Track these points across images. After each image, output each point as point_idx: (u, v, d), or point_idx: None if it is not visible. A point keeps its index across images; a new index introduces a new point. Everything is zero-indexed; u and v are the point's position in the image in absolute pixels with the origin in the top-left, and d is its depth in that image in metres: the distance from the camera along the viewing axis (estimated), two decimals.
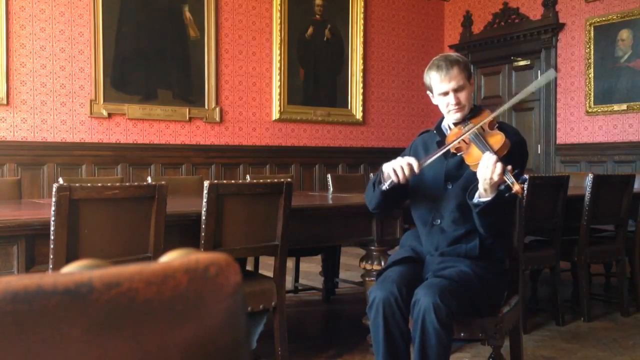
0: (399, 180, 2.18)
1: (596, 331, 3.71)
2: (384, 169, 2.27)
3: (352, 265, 5.38)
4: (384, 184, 2.26)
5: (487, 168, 2.02)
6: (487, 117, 2.26)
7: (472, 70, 2.38)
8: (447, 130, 2.41)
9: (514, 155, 2.20)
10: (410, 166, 2.18)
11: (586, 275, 3.96)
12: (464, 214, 2.26)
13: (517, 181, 1.99)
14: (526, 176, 2.03)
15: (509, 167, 2.02)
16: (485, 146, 2.14)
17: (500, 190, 2.07)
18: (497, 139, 2.17)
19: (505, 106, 2.30)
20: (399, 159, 2.23)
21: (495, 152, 2.10)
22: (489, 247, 2.27)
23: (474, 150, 2.18)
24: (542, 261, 3.82)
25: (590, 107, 7.14)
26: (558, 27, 7.41)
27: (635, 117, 6.80)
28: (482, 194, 2.10)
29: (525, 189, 1.97)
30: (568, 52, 7.37)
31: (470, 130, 2.21)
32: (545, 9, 7.50)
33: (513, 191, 1.99)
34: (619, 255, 4.10)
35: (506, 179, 2.01)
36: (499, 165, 2.01)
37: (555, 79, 7.45)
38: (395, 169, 2.18)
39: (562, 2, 7.40)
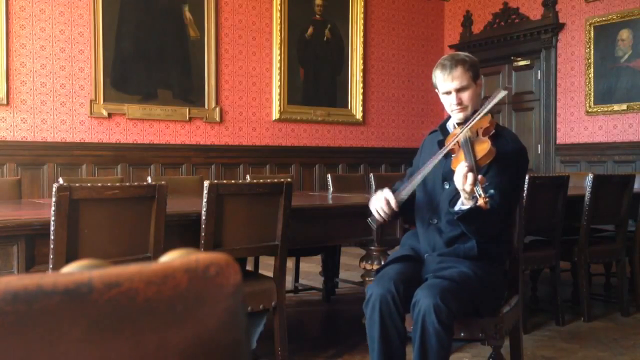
0: (383, 221, 2.27)
1: (596, 331, 3.71)
2: (370, 207, 2.32)
3: (352, 265, 5.38)
4: (372, 224, 2.34)
5: (458, 178, 2.02)
6: (484, 122, 2.25)
7: (479, 71, 2.36)
8: (450, 130, 2.41)
9: (510, 164, 2.19)
10: (388, 203, 2.23)
11: (586, 275, 3.96)
12: None
13: (484, 194, 1.96)
14: (492, 191, 2.02)
15: (480, 178, 2.00)
16: (469, 153, 2.12)
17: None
18: (483, 147, 2.15)
19: (478, 115, 2.27)
20: (375, 197, 2.28)
21: (476, 161, 2.09)
22: (488, 248, 2.27)
23: (461, 155, 2.17)
24: (542, 261, 3.82)
25: (590, 107, 7.14)
26: (558, 27, 7.41)
27: (635, 117, 6.80)
28: (464, 202, 2.10)
29: (488, 203, 1.96)
30: (568, 52, 7.37)
31: (462, 134, 2.20)
32: (545, 9, 7.50)
33: (478, 203, 1.98)
34: (619, 255, 4.10)
35: (475, 190, 2.00)
36: (470, 175, 1.99)
37: (556, 78, 7.46)
38: (377, 210, 2.25)
39: (562, 2, 7.40)
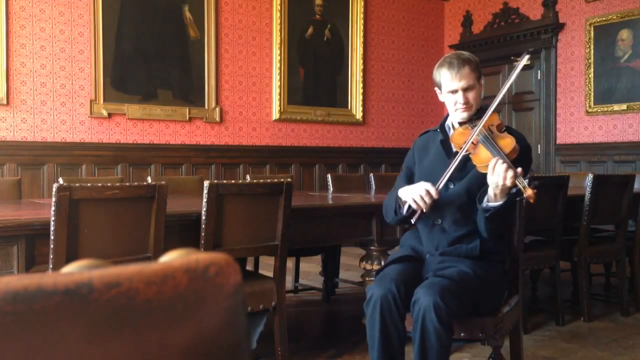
0: (422, 210, 2.21)
1: (596, 331, 3.71)
2: (401, 196, 2.29)
3: (352, 265, 5.38)
4: (404, 211, 2.28)
5: (498, 174, 2.00)
6: (495, 119, 2.25)
7: (481, 72, 2.37)
8: (450, 129, 2.40)
9: (520, 161, 2.19)
10: (429, 193, 2.19)
11: (586, 275, 3.96)
12: (465, 215, 2.25)
13: (528, 185, 1.94)
14: (536, 182, 1.99)
15: (520, 170, 1.99)
16: (495, 149, 2.11)
17: (511, 194, 2.05)
18: (507, 142, 2.15)
19: (499, 96, 2.29)
20: (416, 187, 2.23)
21: (506, 155, 2.08)
22: (490, 248, 2.27)
23: (483, 151, 2.15)
24: (542, 261, 3.82)
25: (590, 107, 7.14)
26: (558, 27, 7.41)
27: (635, 117, 6.79)
28: (492, 198, 2.09)
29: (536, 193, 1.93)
30: (568, 52, 7.37)
31: (479, 131, 2.19)
32: (545, 9, 7.50)
33: (525, 196, 1.95)
34: (619, 255, 4.10)
35: (518, 183, 1.97)
36: (510, 170, 1.99)
37: (556, 78, 7.46)
38: (416, 200, 2.20)
39: (562, 2, 7.40)
